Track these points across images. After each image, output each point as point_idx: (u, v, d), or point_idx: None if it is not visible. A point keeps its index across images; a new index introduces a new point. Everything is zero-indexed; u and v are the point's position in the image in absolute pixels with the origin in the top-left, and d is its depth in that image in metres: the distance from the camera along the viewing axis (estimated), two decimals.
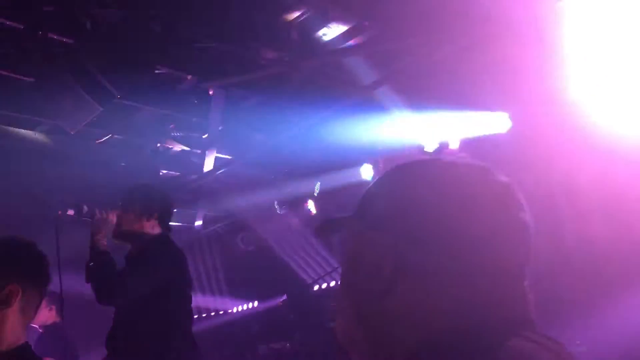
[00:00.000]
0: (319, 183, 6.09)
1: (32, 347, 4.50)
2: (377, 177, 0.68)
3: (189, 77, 4.62)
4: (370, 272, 0.60)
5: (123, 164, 5.70)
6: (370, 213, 0.63)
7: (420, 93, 4.84)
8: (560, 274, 4.07)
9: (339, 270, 0.70)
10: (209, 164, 5.78)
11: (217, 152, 5.63)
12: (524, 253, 0.63)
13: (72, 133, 4.03)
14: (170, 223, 2.81)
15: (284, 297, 5.74)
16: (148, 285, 2.52)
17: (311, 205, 6.62)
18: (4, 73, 4.12)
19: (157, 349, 2.50)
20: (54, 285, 4.39)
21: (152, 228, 2.72)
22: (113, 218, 2.71)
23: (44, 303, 4.26)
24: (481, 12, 3.66)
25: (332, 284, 6.29)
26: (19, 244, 1.70)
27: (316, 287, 6.34)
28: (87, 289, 2.76)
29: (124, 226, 2.70)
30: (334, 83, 4.62)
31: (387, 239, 0.59)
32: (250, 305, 7.17)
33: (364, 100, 4.78)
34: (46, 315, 4.23)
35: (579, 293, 4.11)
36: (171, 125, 5.29)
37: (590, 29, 3.57)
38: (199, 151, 5.63)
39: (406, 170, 0.66)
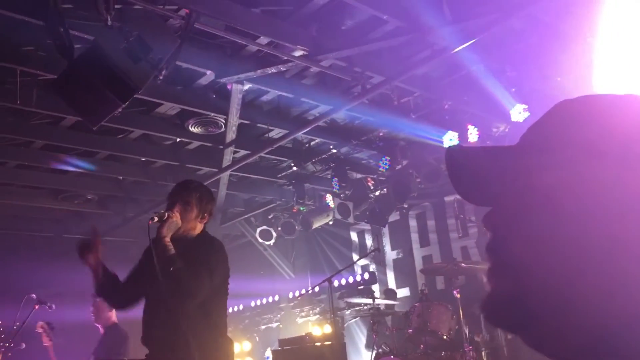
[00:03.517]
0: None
1: (98, 344, 4.73)
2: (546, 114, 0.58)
3: (208, 72, 4.62)
4: (597, 203, 0.51)
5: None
6: (575, 140, 0.54)
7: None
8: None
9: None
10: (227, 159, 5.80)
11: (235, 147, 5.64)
12: None
13: (94, 129, 4.05)
14: None
15: None
16: (218, 283, 2.48)
17: (329, 199, 6.59)
18: (26, 70, 4.15)
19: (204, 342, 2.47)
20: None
21: (202, 225, 2.66)
22: (179, 220, 2.52)
23: (105, 305, 4.49)
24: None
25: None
26: None
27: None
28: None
29: (184, 225, 2.57)
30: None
31: (607, 166, 0.52)
32: None
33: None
34: (107, 316, 4.74)
35: None
36: (190, 120, 5.30)
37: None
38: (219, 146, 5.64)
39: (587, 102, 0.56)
